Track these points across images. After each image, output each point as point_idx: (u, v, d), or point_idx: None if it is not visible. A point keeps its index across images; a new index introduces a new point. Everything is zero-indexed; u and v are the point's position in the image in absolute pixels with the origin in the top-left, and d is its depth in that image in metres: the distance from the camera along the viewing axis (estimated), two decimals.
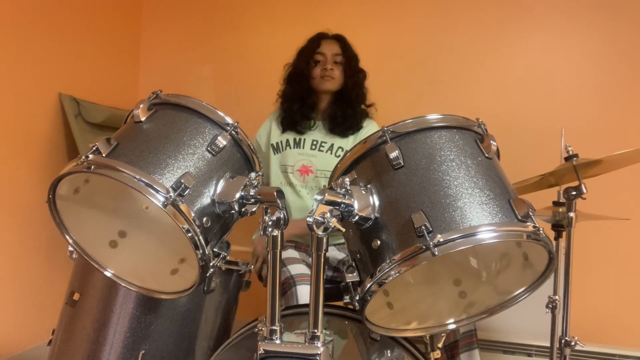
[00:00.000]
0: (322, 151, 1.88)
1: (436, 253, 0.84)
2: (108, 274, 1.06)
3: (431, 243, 0.84)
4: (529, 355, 2.05)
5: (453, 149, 0.96)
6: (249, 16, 2.69)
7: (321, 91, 1.90)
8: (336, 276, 1.78)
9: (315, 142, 1.90)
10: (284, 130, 1.93)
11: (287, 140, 1.91)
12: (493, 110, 2.35)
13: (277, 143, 1.93)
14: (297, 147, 1.90)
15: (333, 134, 1.90)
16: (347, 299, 0.96)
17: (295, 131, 1.91)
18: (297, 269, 1.63)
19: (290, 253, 1.75)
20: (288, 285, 1.58)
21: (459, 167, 0.93)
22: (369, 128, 1.93)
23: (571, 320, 1.47)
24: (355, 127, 1.90)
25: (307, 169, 1.87)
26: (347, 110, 1.89)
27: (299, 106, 1.90)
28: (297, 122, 1.90)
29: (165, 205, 0.87)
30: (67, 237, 1.03)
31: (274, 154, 1.93)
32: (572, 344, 1.46)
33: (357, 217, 0.92)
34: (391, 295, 1.07)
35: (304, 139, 1.90)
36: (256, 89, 2.66)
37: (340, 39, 1.93)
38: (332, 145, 1.89)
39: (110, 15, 2.61)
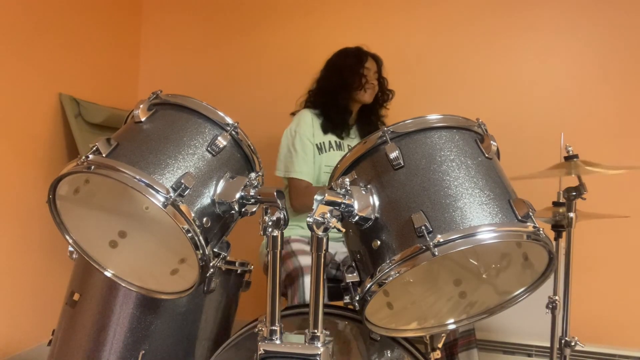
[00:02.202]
0: None
1: (436, 253, 0.84)
2: (108, 274, 1.06)
3: (431, 243, 0.84)
4: (529, 355, 2.05)
5: (453, 149, 0.96)
6: (250, 16, 2.69)
7: (359, 101, 2.01)
8: (341, 274, 1.78)
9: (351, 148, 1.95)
10: (325, 132, 1.98)
11: (330, 142, 1.97)
12: (493, 110, 2.36)
13: (321, 143, 1.95)
14: (339, 149, 1.96)
15: None
16: (347, 299, 0.96)
17: (336, 135, 1.99)
18: (307, 260, 1.64)
19: (301, 246, 1.77)
20: (296, 275, 1.60)
21: (459, 168, 0.93)
22: None
23: (571, 320, 1.47)
24: None
25: None
26: (377, 122, 2.06)
27: (337, 114, 1.98)
28: (339, 128, 1.99)
29: (165, 206, 0.87)
30: (67, 237, 1.03)
31: (319, 154, 1.95)
32: (572, 344, 1.47)
33: (357, 217, 0.92)
34: (391, 296, 1.07)
35: (343, 143, 1.99)
36: (257, 89, 2.66)
37: (377, 60, 2.05)
38: None
39: (110, 15, 2.61)
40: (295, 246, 1.76)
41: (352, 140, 2.01)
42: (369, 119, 2.06)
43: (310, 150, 1.91)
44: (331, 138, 1.97)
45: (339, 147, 1.97)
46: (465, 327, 1.56)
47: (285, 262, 1.69)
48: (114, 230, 1.08)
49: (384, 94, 2.08)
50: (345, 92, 1.97)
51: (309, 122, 1.95)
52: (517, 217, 0.89)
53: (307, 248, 1.74)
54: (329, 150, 1.95)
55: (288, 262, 1.68)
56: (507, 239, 0.90)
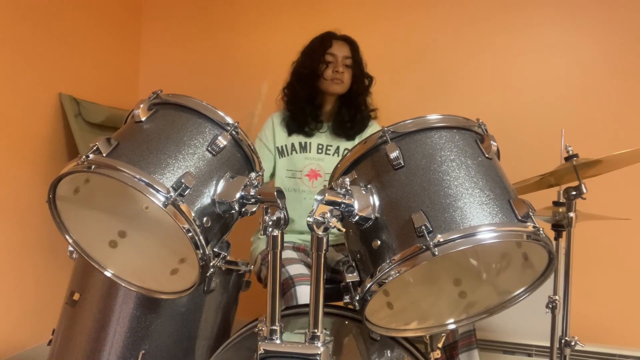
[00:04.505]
0: (329, 154, 1.88)
1: (436, 253, 0.84)
2: (108, 274, 1.06)
3: (431, 243, 0.84)
4: (529, 355, 2.05)
5: (453, 149, 0.96)
6: (250, 16, 2.69)
7: (328, 93, 1.87)
8: (334, 277, 1.78)
9: (321, 146, 1.88)
10: (290, 134, 1.89)
11: (293, 145, 1.88)
12: (493, 110, 2.36)
13: (282, 146, 1.88)
14: (303, 152, 1.87)
15: (339, 137, 1.89)
16: (347, 299, 0.96)
17: (303, 134, 1.88)
18: (296, 269, 1.63)
19: (288, 254, 1.74)
20: (287, 286, 1.57)
21: (459, 167, 0.93)
22: (372, 129, 1.93)
23: (571, 320, 1.47)
24: (362, 129, 1.91)
25: (316, 173, 1.86)
26: (356, 115, 1.89)
27: (308, 107, 1.87)
28: (306, 124, 1.87)
29: (165, 205, 0.87)
30: (67, 237, 1.03)
31: (279, 157, 1.89)
32: (572, 344, 1.46)
33: (357, 217, 0.92)
34: (391, 295, 1.07)
35: (310, 143, 1.88)
36: (257, 88, 2.66)
37: (350, 42, 1.89)
38: (337, 147, 1.89)
39: (110, 15, 2.61)
40: (282, 254, 1.72)
41: (322, 136, 1.89)
42: (346, 110, 1.88)
43: (265, 155, 1.88)
44: (295, 140, 1.88)
45: (304, 148, 1.87)
46: (466, 328, 1.56)
47: None
48: (113, 230, 1.08)
49: (359, 81, 1.89)
50: (311, 82, 1.84)
51: (270, 127, 1.91)
52: (517, 217, 0.89)
53: (295, 255, 1.75)
54: (291, 154, 1.87)
55: None
56: (507, 239, 0.90)
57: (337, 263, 1.79)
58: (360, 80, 1.90)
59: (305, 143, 1.88)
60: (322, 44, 1.86)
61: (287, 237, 1.86)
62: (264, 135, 1.94)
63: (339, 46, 1.86)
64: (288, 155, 1.88)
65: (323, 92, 1.88)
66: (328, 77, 1.83)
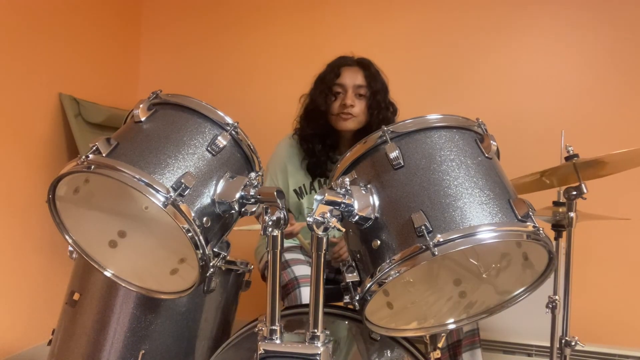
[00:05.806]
0: None
1: (436, 253, 0.84)
2: (108, 274, 1.06)
3: (431, 243, 0.84)
4: (529, 355, 2.05)
5: (453, 149, 0.96)
6: (250, 16, 2.69)
7: (340, 130, 1.68)
8: (339, 277, 1.78)
9: None
10: (313, 179, 1.74)
11: (312, 184, 1.77)
12: (493, 110, 2.36)
13: (300, 188, 1.76)
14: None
15: None
16: (347, 298, 0.96)
17: (325, 177, 1.74)
18: (302, 270, 1.62)
19: (295, 254, 1.73)
20: (292, 287, 1.57)
21: (459, 167, 0.93)
22: None
23: (571, 320, 1.47)
24: None
25: None
26: None
27: (321, 147, 1.69)
28: (326, 166, 1.70)
29: (165, 205, 0.86)
30: (67, 237, 1.03)
31: (299, 199, 1.77)
32: (572, 344, 1.47)
33: (357, 217, 0.92)
34: (391, 295, 1.07)
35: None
36: (256, 88, 2.66)
37: (364, 66, 1.68)
38: None
39: (110, 15, 2.61)
40: (288, 255, 1.70)
41: None
42: None
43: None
44: (316, 181, 1.75)
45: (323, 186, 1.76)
46: (470, 327, 1.56)
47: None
48: (113, 230, 1.08)
49: (380, 112, 1.65)
50: (320, 119, 1.66)
51: (283, 170, 1.75)
52: (517, 216, 0.89)
53: (301, 256, 1.73)
54: (310, 193, 1.74)
55: (283, 273, 1.59)
56: (507, 239, 0.90)
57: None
58: (380, 111, 1.66)
59: (326, 180, 1.76)
60: (330, 72, 1.68)
61: (296, 239, 1.83)
62: (274, 174, 1.81)
63: (350, 74, 1.67)
64: (307, 194, 1.77)
65: (336, 129, 1.69)
66: (335, 112, 1.64)
